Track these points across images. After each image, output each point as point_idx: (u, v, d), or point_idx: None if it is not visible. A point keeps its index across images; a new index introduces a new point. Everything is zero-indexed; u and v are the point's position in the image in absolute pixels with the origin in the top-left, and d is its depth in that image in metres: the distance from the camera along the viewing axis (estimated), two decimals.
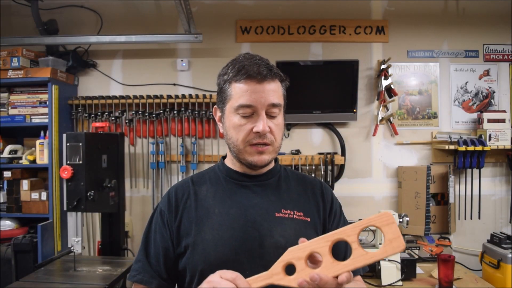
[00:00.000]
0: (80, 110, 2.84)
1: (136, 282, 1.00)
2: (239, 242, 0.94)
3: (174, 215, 1.01)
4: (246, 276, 0.92)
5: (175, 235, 1.00)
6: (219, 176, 1.07)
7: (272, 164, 1.09)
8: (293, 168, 2.45)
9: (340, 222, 1.08)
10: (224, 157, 1.11)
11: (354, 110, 2.82)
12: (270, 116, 0.97)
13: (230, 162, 1.07)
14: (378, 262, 2.10)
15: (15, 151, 2.74)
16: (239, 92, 0.95)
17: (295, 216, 1.00)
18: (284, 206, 1.01)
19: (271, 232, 0.96)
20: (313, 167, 2.82)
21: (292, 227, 0.98)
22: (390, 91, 2.83)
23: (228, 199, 1.01)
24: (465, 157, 2.74)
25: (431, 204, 2.77)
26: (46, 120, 2.65)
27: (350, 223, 0.81)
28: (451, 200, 2.77)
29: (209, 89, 2.90)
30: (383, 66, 2.82)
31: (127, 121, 2.86)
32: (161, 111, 2.83)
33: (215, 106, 1.07)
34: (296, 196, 1.05)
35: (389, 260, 2.08)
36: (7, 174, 2.66)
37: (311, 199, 1.06)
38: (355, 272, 1.07)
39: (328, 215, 1.06)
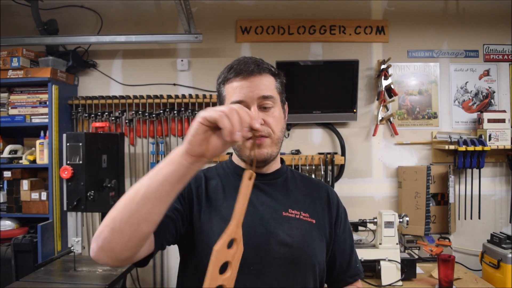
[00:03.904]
0: (80, 110, 2.84)
1: None
2: (246, 238, 0.94)
3: (189, 193, 1.00)
4: (251, 272, 0.92)
5: (188, 207, 0.98)
6: (227, 173, 1.08)
7: (279, 165, 1.10)
8: (293, 168, 2.45)
9: (346, 226, 1.11)
10: (231, 154, 1.13)
11: (354, 110, 2.82)
12: (264, 108, 0.98)
13: (236, 160, 1.09)
14: (378, 262, 2.10)
15: (15, 151, 2.74)
16: (231, 91, 0.98)
17: (301, 216, 1.01)
18: (291, 206, 1.02)
19: (277, 230, 0.97)
20: (313, 167, 2.82)
21: (298, 227, 0.99)
22: (390, 91, 2.83)
23: (237, 194, 1.02)
24: (465, 157, 2.74)
25: (431, 204, 2.77)
26: (46, 120, 2.64)
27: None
28: (451, 200, 2.77)
29: (209, 89, 2.90)
30: (383, 66, 2.82)
31: (127, 121, 2.86)
32: (161, 111, 2.83)
33: None
34: (302, 197, 1.06)
35: (389, 260, 2.08)
36: (7, 174, 2.66)
37: (317, 202, 1.07)
38: (358, 275, 1.09)
39: (335, 220, 1.08)
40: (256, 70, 0.97)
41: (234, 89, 0.97)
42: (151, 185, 0.74)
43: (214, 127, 0.72)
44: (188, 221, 0.98)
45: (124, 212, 0.75)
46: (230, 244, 0.74)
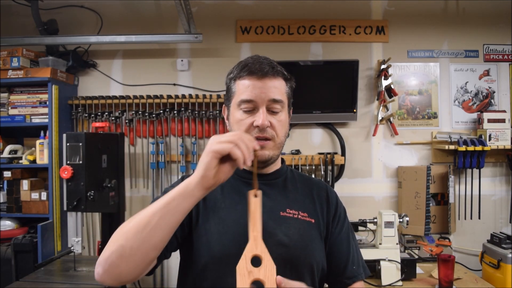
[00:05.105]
0: (80, 110, 2.84)
1: None
2: (244, 237, 0.94)
3: None
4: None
5: None
6: None
7: (279, 165, 1.10)
8: (293, 168, 2.45)
9: (344, 226, 1.09)
10: None
11: (354, 110, 2.82)
12: (272, 111, 0.98)
13: None
14: (378, 262, 2.10)
15: (15, 151, 2.74)
16: (242, 88, 0.98)
17: (299, 216, 1.01)
18: (290, 206, 1.02)
19: (275, 230, 0.97)
20: (313, 167, 2.82)
21: (296, 227, 0.99)
22: (390, 91, 2.83)
23: (235, 194, 1.02)
24: (465, 157, 2.74)
25: (431, 204, 2.77)
26: (46, 120, 2.65)
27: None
28: (451, 200, 2.77)
29: (209, 89, 2.90)
30: (383, 66, 2.82)
31: (127, 121, 2.86)
32: (161, 111, 2.83)
33: (224, 105, 1.09)
34: (302, 197, 1.06)
35: (389, 260, 2.08)
36: (7, 174, 2.66)
37: (316, 201, 1.07)
38: (356, 277, 1.06)
39: (332, 219, 1.07)
40: (271, 72, 0.97)
41: (246, 87, 0.97)
42: (163, 216, 0.78)
43: (223, 156, 0.78)
44: (187, 224, 0.98)
45: (134, 240, 0.77)
46: (257, 263, 0.76)
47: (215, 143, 0.77)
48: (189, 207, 0.79)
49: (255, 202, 0.80)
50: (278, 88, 0.98)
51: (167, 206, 0.78)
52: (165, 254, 0.91)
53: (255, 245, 0.77)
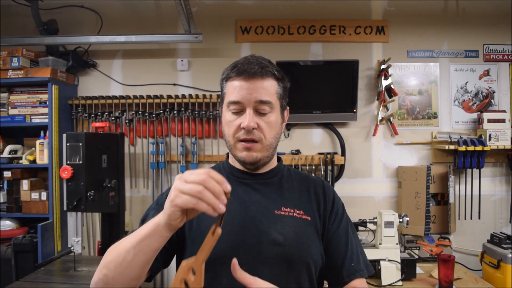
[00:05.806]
0: (80, 110, 2.84)
1: None
2: (238, 238, 0.95)
3: None
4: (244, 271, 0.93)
5: None
6: (223, 173, 1.07)
7: (275, 164, 1.09)
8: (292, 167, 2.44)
9: (342, 222, 1.06)
10: (229, 154, 1.12)
11: (354, 110, 2.82)
12: (260, 113, 0.97)
13: (232, 160, 1.09)
14: (378, 262, 2.10)
15: (15, 151, 2.74)
16: (231, 89, 0.98)
17: (295, 214, 1.00)
18: (285, 204, 1.01)
19: (269, 229, 0.96)
20: (313, 167, 2.82)
21: (292, 225, 0.99)
22: (390, 91, 2.83)
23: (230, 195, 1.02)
24: (465, 157, 2.74)
25: (431, 204, 2.77)
26: (46, 120, 2.65)
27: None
28: (451, 200, 2.77)
29: (209, 89, 2.90)
30: (383, 66, 2.82)
31: (127, 121, 2.86)
32: (161, 111, 2.83)
33: (219, 105, 1.09)
34: (298, 195, 1.05)
35: (389, 260, 2.08)
36: (7, 174, 2.66)
37: (313, 198, 1.06)
38: (353, 274, 1.03)
39: (329, 215, 1.05)
40: (259, 72, 0.96)
41: (234, 88, 0.97)
42: (137, 253, 0.81)
43: None
44: (180, 231, 0.98)
45: (115, 273, 0.83)
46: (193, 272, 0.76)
47: (178, 194, 0.72)
48: (160, 245, 0.81)
49: (209, 240, 0.78)
50: (266, 89, 0.96)
51: (140, 244, 0.81)
52: (157, 266, 0.93)
53: (198, 263, 0.76)
